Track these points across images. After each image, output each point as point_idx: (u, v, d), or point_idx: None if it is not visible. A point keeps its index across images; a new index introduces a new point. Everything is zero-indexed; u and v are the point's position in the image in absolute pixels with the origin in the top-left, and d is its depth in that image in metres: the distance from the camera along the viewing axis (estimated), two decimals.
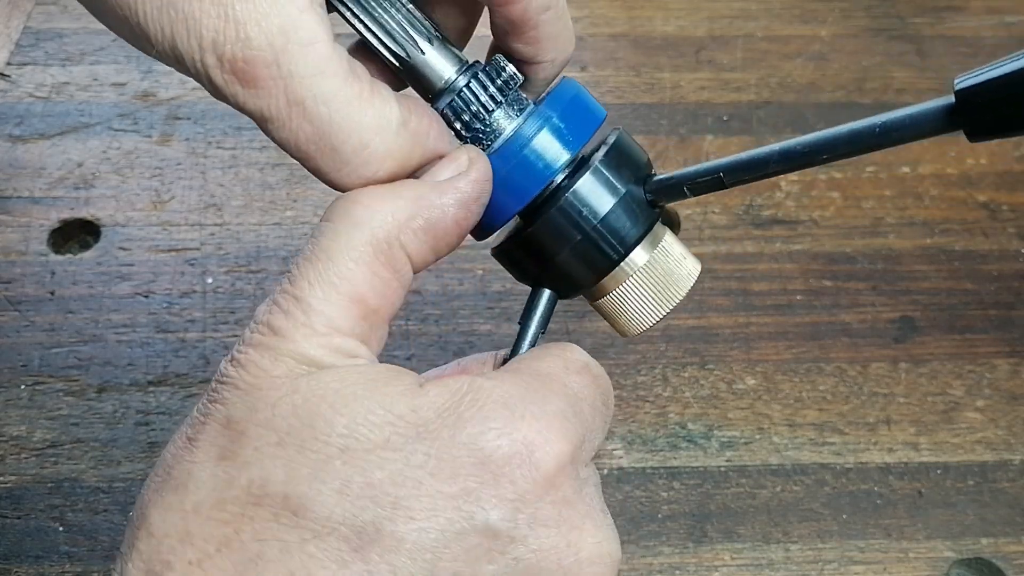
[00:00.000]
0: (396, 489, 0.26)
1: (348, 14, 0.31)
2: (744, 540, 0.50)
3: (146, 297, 0.56)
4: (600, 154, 0.33)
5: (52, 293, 0.56)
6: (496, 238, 0.35)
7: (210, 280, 0.57)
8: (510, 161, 0.32)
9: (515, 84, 0.33)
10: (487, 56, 0.34)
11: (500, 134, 0.32)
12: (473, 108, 0.32)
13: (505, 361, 0.32)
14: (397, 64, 0.32)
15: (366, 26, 0.31)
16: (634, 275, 0.33)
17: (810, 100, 0.69)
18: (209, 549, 0.26)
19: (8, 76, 0.66)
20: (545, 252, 0.33)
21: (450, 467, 0.26)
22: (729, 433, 0.53)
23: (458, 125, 0.32)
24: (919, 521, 0.51)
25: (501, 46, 0.33)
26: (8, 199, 0.60)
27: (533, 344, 0.33)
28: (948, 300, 0.59)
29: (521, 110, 0.33)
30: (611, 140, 0.33)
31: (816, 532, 0.50)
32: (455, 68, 0.32)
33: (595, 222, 0.32)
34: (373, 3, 0.31)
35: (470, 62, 0.33)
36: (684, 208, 0.62)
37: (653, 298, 0.34)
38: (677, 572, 0.49)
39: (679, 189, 0.33)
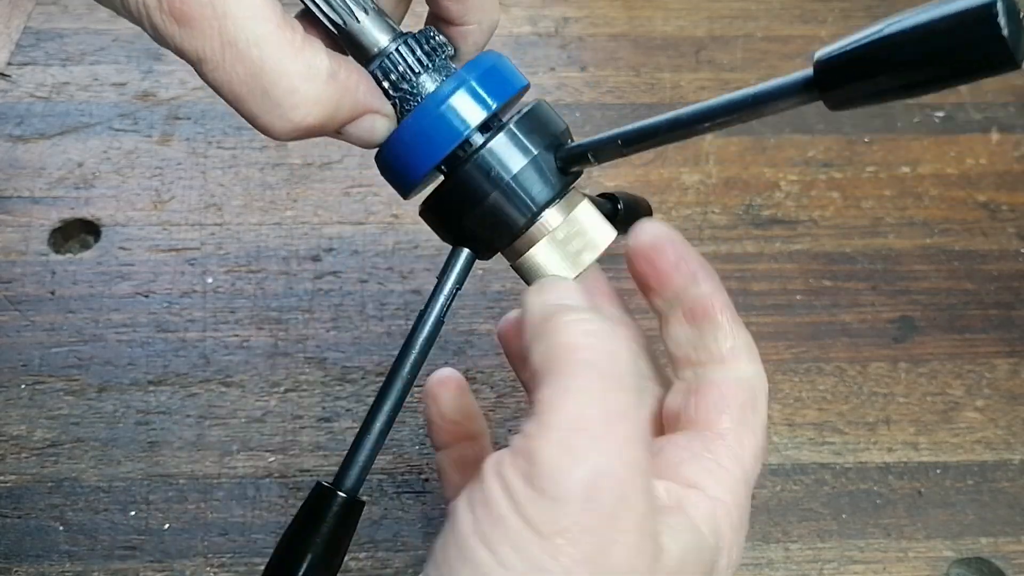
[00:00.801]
0: None
1: None
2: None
3: (146, 297, 0.56)
4: (515, 117, 0.35)
5: (52, 293, 0.56)
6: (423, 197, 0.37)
7: (210, 280, 0.57)
8: (427, 117, 0.34)
9: (443, 52, 0.35)
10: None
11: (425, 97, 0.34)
12: (400, 69, 0.34)
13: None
14: (335, 31, 0.34)
15: None
16: (547, 236, 0.35)
17: None
18: None
19: (8, 76, 0.66)
20: (462, 207, 0.35)
21: None
22: None
23: (386, 84, 0.34)
24: (919, 521, 0.51)
25: (432, 6, 0.35)
26: (8, 199, 0.60)
27: (449, 302, 0.35)
28: (948, 300, 0.59)
29: (447, 76, 0.35)
30: (527, 108, 0.35)
31: (816, 532, 0.50)
32: (389, 37, 0.34)
33: (507, 178, 0.34)
34: None
35: (403, 32, 0.35)
36: (684, 208, 0.62)
37: (565, 259, 0.35)
38: None
39: (585, 156, 0.34)
